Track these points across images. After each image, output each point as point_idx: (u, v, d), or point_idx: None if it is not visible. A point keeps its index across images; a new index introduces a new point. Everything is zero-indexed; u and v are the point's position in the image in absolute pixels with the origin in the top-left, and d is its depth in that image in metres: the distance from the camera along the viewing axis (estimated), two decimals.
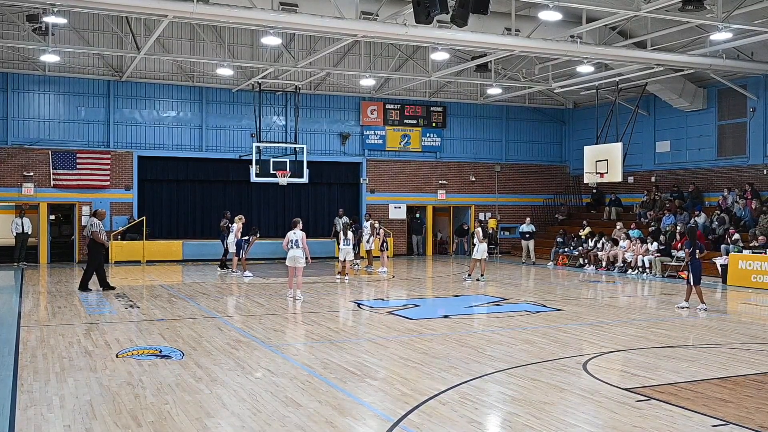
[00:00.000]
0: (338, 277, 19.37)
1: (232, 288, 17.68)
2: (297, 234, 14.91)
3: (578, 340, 10.78)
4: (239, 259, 20.65)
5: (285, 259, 15.29)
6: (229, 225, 21.01)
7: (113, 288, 16.55)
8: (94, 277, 16.42)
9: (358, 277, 20.55)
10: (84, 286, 16.34)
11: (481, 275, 19.27)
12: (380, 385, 7.94)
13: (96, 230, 16.20)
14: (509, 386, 7.90)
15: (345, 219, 26.52)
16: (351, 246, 19.43)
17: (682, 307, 14.12)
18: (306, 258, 15.05)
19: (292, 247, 14.93)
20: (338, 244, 20.60)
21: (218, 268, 21.59)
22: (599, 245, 23.37)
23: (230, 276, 20.13)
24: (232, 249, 20.57)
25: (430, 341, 10.56)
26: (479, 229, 19.23)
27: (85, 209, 24.40)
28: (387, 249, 22.44)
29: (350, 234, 19.53)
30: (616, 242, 22.92)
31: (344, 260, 19.20)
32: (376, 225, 22.28)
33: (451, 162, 29.75)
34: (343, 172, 28.54)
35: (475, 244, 19.20)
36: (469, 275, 19.48)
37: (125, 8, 16.22)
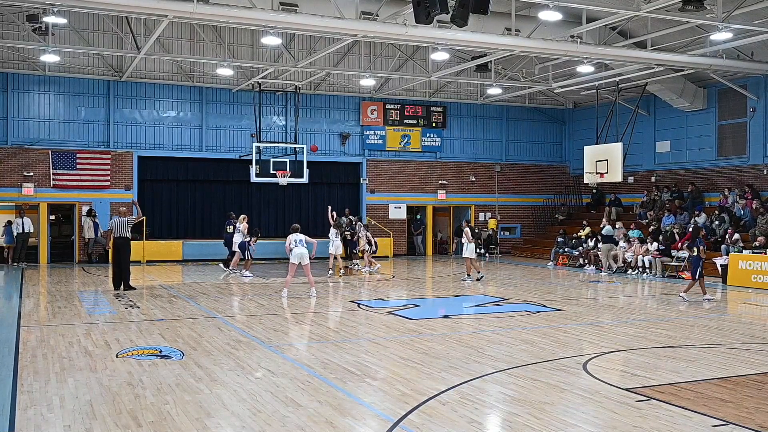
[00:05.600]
0: (342, 275, 19.64)
1: (232, 288, 17.68)
2: (299, 236, 15.29)
3: (578, 340, 10.77)
4: (243, 260, 20.54)
5: (286, 258, 15.41)
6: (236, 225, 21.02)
7: (133, 288, 16.68)
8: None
9: (357, 277, 20.56)
10: (128, 285, 16.49)
11: (478, 273, 19.41)
12: (380, 385, 7.94)
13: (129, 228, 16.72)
14: (509, 386, 7.90)
15: (351, 219, 26.57)
16: (340, 241, 20.09)
17: (685, 300, 15.14)
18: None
19: (296, 246, 15.17)
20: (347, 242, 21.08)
21: (225, 268, 21.38)
22: (600, 245, 23.34)
23: (231, 275, 20.09)
24: (236, 248, 20.56)
25: (430, 341, 10.56)
26: (467, 229, 19.54)
27: (84, 209, 24.46)
28: (371, 249, 22.33)
29: (336, 231, 20.15)
30: (615, 242, 22.90)
31: (333, 254, 19.97)
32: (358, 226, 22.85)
33: (451, 162, 29.75)
34: (343, 172, 28.55)
35: (464, 244, 19.39)
36: (468, 275, 19.52)
37: (125, 8, 16.22)
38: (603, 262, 22.65)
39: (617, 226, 24.03)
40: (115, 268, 16.72)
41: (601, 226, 23.16)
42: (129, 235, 16.58)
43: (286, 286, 15.65)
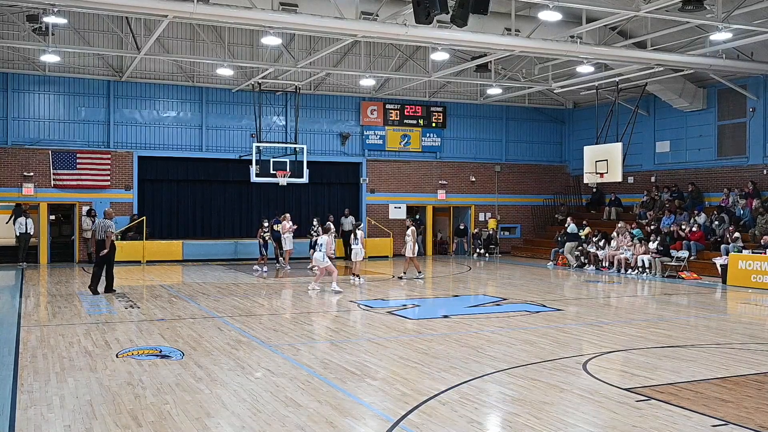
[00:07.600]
0: (352, 278, 19.41)
1: (232, 288, 17.68)
2: (323, 239, 16.73)
3: (578, 340, 10.78)
4: (262, 257, 21.99)
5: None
6: (269, 227, 22.22)
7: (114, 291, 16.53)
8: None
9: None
10: (94, 287, 16.14)
11: (404, 273, 19.99)
12: (380, 385, 7.94)
13: (114, 231, 16.49)
14: (509, 386, 7.90)
15: (351, 219, 26.62)
16: (360, 246, 19.50)
17: None
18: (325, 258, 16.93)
19: (315, 250, 16.97)
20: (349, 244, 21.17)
21: (281, 264, 22.83)
22: (600, 245, 23.36)
23: (285, 269, 21.64)
24: (289, 246, 22.18)
25: (430, 341, 10.56)
26: (412, 227, 19.96)
27: (84, 209, 24.45)
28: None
29: (359, 234, 19.59)
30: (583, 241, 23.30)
31: (354, 261, 19.49)
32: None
33: (451, 162, 29.76)
34: (343, 172, 28.55)
35: (406, 243, 19.72)
36: (405, 272, 20.00)
37: (125, 8, 16.23)
38: (568, 259, 23.46)
39: (618, 225, 24.06)
40: (108, 269, 16.52)
41: (566, 225, 24.05)
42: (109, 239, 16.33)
43: (316, 281, 16.97)
